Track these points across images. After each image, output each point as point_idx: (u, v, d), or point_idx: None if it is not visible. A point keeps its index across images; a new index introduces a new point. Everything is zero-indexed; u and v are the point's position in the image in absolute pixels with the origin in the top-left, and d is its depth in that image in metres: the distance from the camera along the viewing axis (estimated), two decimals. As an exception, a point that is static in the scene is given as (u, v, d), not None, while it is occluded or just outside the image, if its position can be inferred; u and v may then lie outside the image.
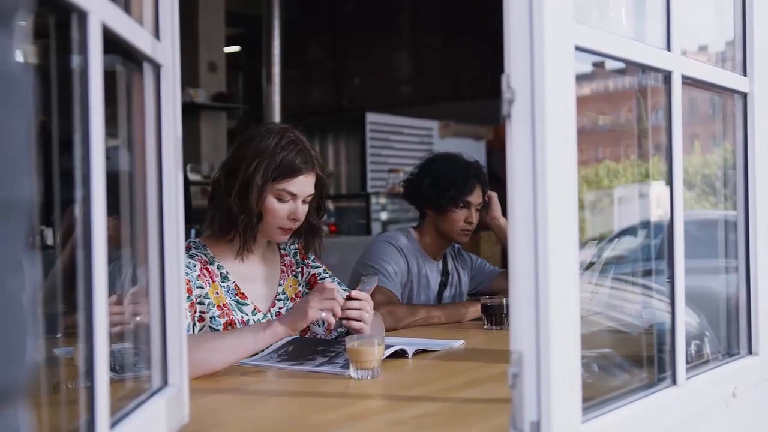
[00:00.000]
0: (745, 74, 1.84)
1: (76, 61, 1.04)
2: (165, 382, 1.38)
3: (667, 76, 1.54)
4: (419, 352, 2.18)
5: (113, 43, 1.13)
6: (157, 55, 1.34)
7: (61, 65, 1.07)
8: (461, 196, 3.01)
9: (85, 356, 1.02)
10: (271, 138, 2.20)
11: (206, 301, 2.16)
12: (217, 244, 2.27)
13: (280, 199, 2.21)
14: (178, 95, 1.41)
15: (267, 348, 2.08)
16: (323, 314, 2.02)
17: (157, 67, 1.36)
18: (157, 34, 1.37)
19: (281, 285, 2.36)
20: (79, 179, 1.02)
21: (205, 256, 2.24)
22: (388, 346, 2.03)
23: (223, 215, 2.22)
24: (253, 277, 2.30)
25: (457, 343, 2.36)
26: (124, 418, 1.17)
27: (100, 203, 1.03)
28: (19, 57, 0.62)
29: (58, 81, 1.06)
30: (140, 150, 1.37)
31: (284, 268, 2.40)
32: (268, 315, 2.28)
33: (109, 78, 1.10)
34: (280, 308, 2.32)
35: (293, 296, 2.38)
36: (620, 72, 1.76)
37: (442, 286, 3.16)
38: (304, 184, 2.22)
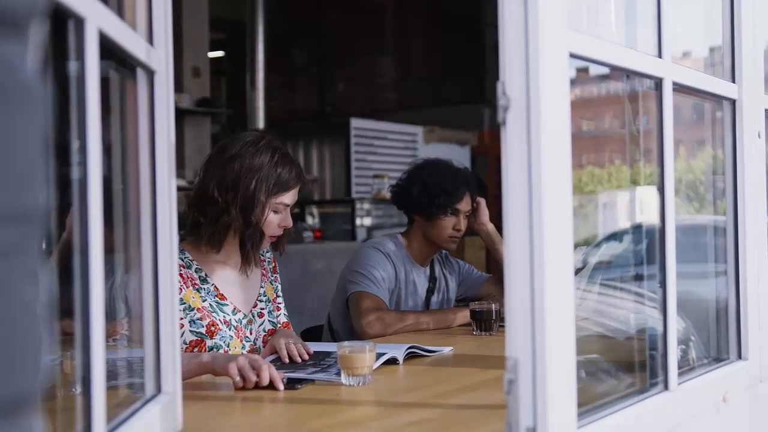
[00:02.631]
0: (733, 81, 1.85)
1: (72, 66, 1.03)
2: (159, 389, 1.37)
3: (659, 83, 1.55)
4: (411, 357, 2.18)
5: (107, 49, 1.13)
6: (151, 61, 1.34)
7: (57, 71, 1.06)
8: (451, 204, 3.00)
9: (82, 363, 1.01)
10: (264, 154, 2.25)
11: (181, 306, 2.19)
12: (198, 247, 2.31)
13: (276, 212, 2.29)
14: (171, 101, 1.41)
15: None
16: (237, 378, 1.84)
17: (150, 73, 1.36)
18: (150, 40, 1.36)
19: (262, 287, 2.43)
20: (76, 185, 1.01)
21: (182, 260, 2.26)
22: (378, 354, 2.03)
23: (221, 230, 2.25)
24: (234, 280, 2.35)
25: (447, 350, 2.36)
26: (119, 426, 1.16)
27: (96, 209, 1.02)
28: (32, 65, 0.62)
29: (54, 87, 1.05)
30: (133, 156, 1.36)
31: (264, 272, 2.46)
32: (249, 315, 2.35)
33: (102, 84, 1.09)
34: (262, 309, 2.39)
35: (273, 299, 2.45)
36: (605, 78, 1.77)
37: (430, 292, 3.16)
38: (295, 194, 2.33)
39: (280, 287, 2.53)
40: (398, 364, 2.11)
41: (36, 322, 0.59)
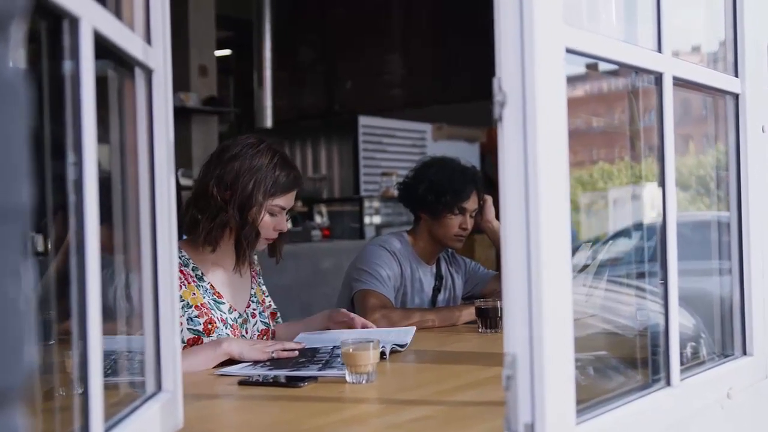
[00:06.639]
0: (736, 75, 1.84)
1: (67, 66, 1.03)
2: (159, 387, 1.38)
3: (659, 78, 1.55)
4: (392, 353, 2.21)
5: (104, 49, 1.13)
6: (148, 60, 1.34)
7: (52, 70, 1.06)
8: (457, 202, 3.00)
9: (79, 362, 1.01)
10: (263, 156, 2.31)
11: (180, 304, 2.22)
12: (194, 247, 2.34)
13: (272, 214, 2.33)
14: (170, 100, 1.41)
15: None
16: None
17: (148, 73, 1.36)
18: (148, 39, 1.36)
19: (253, 288, 2.49)
20: (71, 185, 1.01)
21: (180, 259, 2.28)
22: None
23: (218, 228, 2.29)
24: (228, 281, 2.40)
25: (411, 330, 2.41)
26: (118, 423, 1.17)
27: (92, 209, 1.03)
28: (14, 63, 0.63)
29: (49, 86, 1.05)
30: (132, 156, 1.37)
31: (254, 274, 2.52)
32: (244, 314, 2.40)
33: (100, 83, 1.10)
34: (254, 310, 2.46)
35: (261, 301, 2.50)
36: (613, 73, 1.76)
37: (436, 290, 3.15)
38: (291, 199, 2.38)
39: (264, 287, 2.57)
40: (385, 358, 2.12)
41: (18, 318, 0.60)
